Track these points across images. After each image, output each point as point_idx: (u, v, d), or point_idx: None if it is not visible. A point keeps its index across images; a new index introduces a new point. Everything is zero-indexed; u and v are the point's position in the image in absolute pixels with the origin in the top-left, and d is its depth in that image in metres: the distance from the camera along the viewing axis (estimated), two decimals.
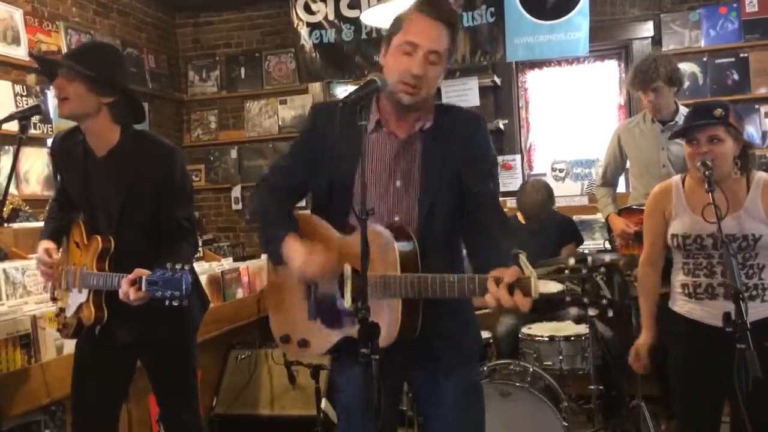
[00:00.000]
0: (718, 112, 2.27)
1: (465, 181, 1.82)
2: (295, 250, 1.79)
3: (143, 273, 2.07)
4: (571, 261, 1.49)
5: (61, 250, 2.43)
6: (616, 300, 1.42)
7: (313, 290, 1.85)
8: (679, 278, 2.45)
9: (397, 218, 1.81)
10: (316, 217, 1.89)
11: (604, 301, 1.43)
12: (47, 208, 2.62)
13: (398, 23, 1.80)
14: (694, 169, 2.30)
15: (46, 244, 2.38)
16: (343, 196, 1.81)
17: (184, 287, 2.01)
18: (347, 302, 1.75)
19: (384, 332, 1.64)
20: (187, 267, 2.05)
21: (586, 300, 1.44)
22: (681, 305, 2.44)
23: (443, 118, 1.85)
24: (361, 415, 1.78)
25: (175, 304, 2.03)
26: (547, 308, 3.78)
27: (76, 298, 2.31)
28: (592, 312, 1.46)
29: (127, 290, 2.08)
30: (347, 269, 1.75)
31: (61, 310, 2.43)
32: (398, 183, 1.82)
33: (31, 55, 2.53)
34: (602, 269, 1.43)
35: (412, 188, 1.82)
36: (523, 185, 4.19)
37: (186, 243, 2.34)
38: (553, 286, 1.46)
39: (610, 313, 1.45)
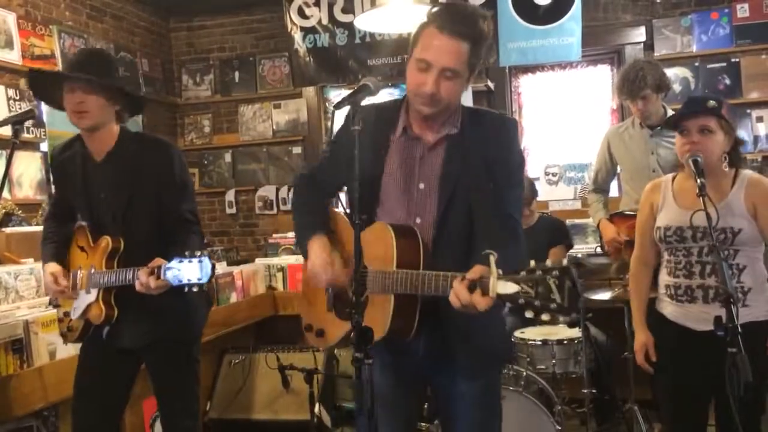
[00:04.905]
0: (711, 103, 2.27)
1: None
2: (316, 255, 1.85)
3: (161, 262, 2.07)
4: (532, 263, 1.45)
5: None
6: (565, 306, 1.38)
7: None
8: (663, 278, 2.44)
9: (418, 220, 1.82)
10: (345, 217, 1.95)
11: (553, 306, 1.38)
12: (43, 226, 2.59)
13: (416, 36, 1.77)
14: (685, 162, 2.28)
15: (52, 267, 2.37)
16: (369, 197, 1.84)
17: (205, 271, 2.02)
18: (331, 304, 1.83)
19: (378, 327, 1.67)
20: (206, 253, 2.05)
21: (537, 303, 1.40)
22: (664, 306, 2.43)
23: (472, 122, 1.85)
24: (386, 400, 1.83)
25: (195, 290, 2.04)
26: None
27: (84, 299, 2.31)
28: (545, 317, 1.41)
29: (146, 280, 2.09)
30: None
31: (65, 314, 2.42)
32: (421, 185, 1.83)
33: (33, 71, 2.53)
34: (555, 272, 1.39)
35: (434, 191, 1.83)
36: None
37: (193, 234, 2.35)
38: (510, 287, 1.44)
39: (561, 319, 1.41)
